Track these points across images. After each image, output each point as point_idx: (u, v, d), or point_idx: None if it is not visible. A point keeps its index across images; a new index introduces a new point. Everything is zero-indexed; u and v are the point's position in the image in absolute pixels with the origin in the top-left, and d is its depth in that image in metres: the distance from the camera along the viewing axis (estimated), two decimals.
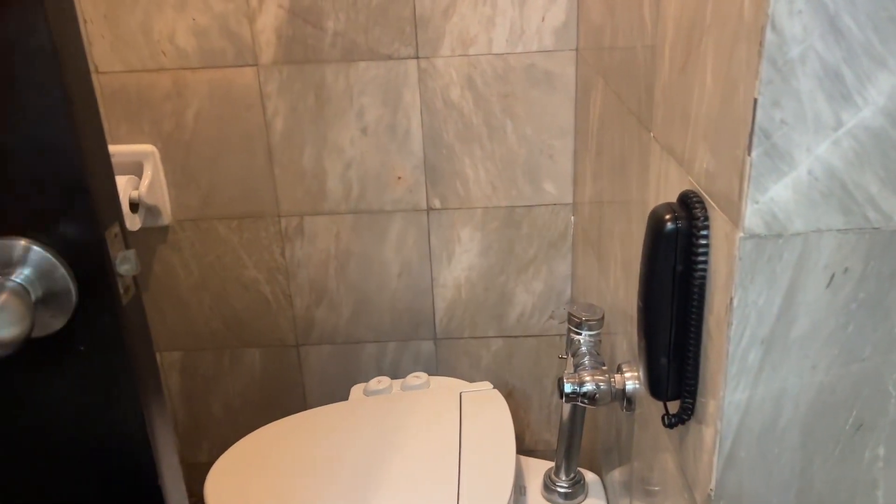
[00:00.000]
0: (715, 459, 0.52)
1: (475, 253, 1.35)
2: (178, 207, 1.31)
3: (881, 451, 0.51)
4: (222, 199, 1.31)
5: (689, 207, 0.52)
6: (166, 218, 1.31)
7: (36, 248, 0.45)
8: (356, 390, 1.30)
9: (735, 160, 0.46)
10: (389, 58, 1.22)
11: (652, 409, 0.71)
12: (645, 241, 0.55)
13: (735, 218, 0.46)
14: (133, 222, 1.26)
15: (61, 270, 0.45)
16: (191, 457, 1.50)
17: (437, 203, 1.31)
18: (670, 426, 0.58)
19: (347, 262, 1.35)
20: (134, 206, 1.25)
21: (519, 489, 1.12)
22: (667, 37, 0.63)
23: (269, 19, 1.19)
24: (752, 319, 0.47)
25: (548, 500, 1.11)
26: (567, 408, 1.03)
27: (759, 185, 0.44)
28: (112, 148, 1.21)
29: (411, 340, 1.42)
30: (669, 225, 0.52)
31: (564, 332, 0.99)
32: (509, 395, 1.46)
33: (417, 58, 1.22)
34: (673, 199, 0.56)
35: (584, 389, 0.80)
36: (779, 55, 0.41)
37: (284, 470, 1.09)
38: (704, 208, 0.51)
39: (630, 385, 0.78)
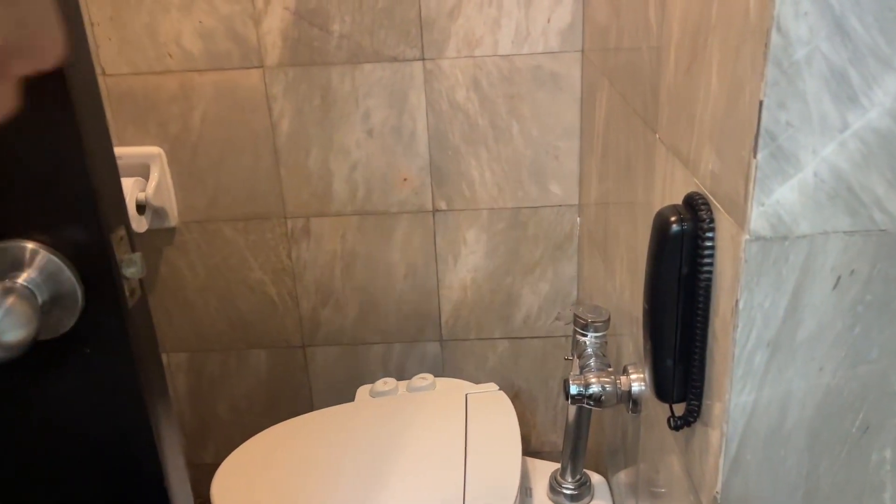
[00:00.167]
0: (721, 462, 0.52)
1: (481, 254, 1.35)
2: (185, 209, 1.32)
3: (888, 453, 0.51)
4: (228, 201, 1.31)
5: (695, 209, 0.52)
6: (173, 220, 1.32)
7: (42, 250, 0.45)
8: (362, 391, 1.30)
9: (741, 162, 0.46)
10: (395, 60, 1.22)
11: (658, 411, 0.71)
12: (650, 243, 0.55)
13: (741, 220, 0.46)
14: (140, 224, 1.27)
15: (67, 273, 0.45)
16: (197, 458, 1.51)
17: (442, 204, 1.31)
18: (676, 428, 0.58)
19: (353, 263, 1.36)
20: (141, 208, 1.26)
21: (525, 490, 1.12)
22: (672, 38, 0.62)
23: (275, 21, 1.20)
24: (758, 322, 0.47)
25: (554, 501, 1.11)
26: (573, 409, 1.03)
27: (765, 187, 0.44)
28: (118, 150, 1.22)
29: (417, 342, 1.42)
30: (675, 227, 0.52)
31: (570, 333, 0.98)
32: (515, 397, 1.46)
33: (423, 59, 1.22)
34: (678, 200, 0.55)
35: (590, 391, 0.79)
36: (784, 57, 0.41)
37: (290, 471, 1.09)
38: (710, 210, 0.51)
39: (636, 387, 0.78)
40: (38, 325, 0.43)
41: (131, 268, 0.47)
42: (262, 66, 1.22)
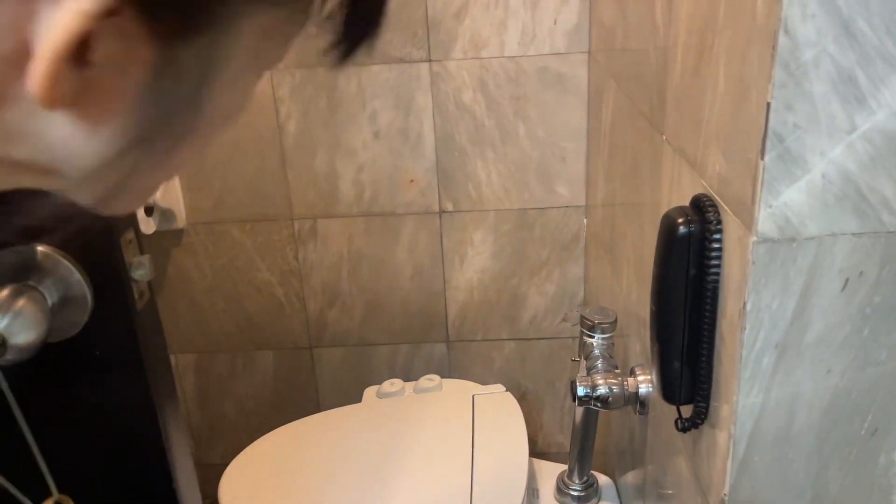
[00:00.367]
0: (729, 464, 0.51)
1: (487, 255, 1.35)
2: (192, 211, 1.32)
3: None
4: (236, 203, 1.32)
5: (702, 211, 0.52)
6: (180, 221, 1.32)
7: (52, 254, 0.46)
8: (369, 392, 1.30)
9: (748, 164, 0.45)
10: (401, 61, 1.22)
11: (665, 413, 0.71)
12: (657, 244, 0.55)
13: (748, 222, 0.46)
14: (148, 226, 1.27)
15: (77, 276, 0.46)
16: (205, 458, 1.51)
17: (449, 206, 1.31)
18: (683, 430, 0.58)
19: (360, 264, 1.36)
20: (148, 210, 1.26)
21: (532, 492, 1.12)
22: (679, 39, 0.62)
23: None
24: (766, 323, 0.47)
25: (560, 502, 1.11)
26: (580, 411, 1.03)
27: (773, 188, 0.44)
28: None
29: (424, 343, 1.42)
30: (682, 229, 0.52)
31: (577, 334, 0.98)
32: (522, 398, 1.46)
33: (429, 61, 1.22)
34: (686, 202, 0.55)
35: (597, 393, 0.79)
36: (792, 59, 0.41)
37: (298, 472, 1.09)
38: (717, 212, 0.51)
39: (643, 388, 0.78)
40: (49, 327, 0.43)
41: (140, 270, 0.47)
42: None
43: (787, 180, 0.44)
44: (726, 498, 0.53)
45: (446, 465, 1.07)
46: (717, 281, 0.51)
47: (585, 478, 1.10)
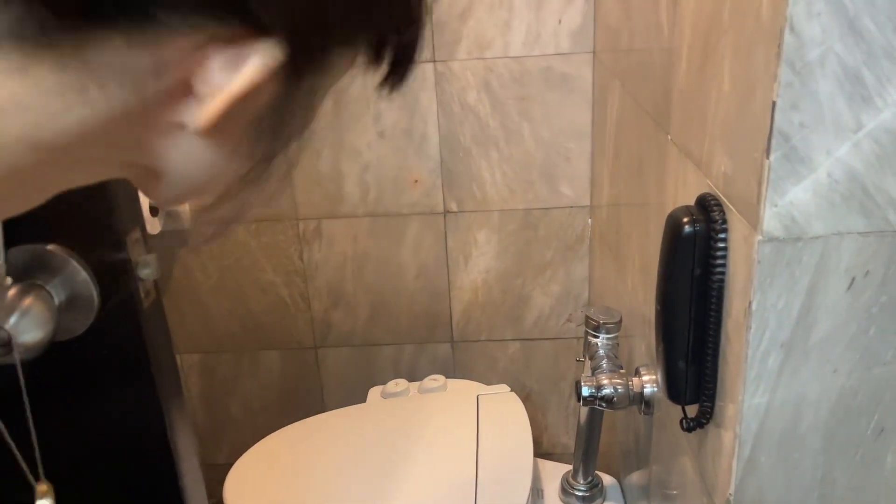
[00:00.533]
0: (734, 464, 0.51)
1: (492, 256, 1.35)
2: (197, 211, 1.33)
3: None
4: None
5: (707, 210, 0.52)
6: (186, 221, 1.32)
7: (59, 253, 0.46)
8: (374, 393, 1.30)
9: (753, 163, 0.45)
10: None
11: (670, 413, 0.71)
12: (663, 244, 0.55)
13: (753, 221, 0.46)
14: (153, 226, 1.27)
15: (83, 275, 0.46)
16: (210, 458, 1.52)
17: (453, 206, 1.31)
18: (689, 430, 0.58)
19: (365, 264, 1.36)
20: (154, 210, 1.27)
21: (536, 492, 1.12)
22: (684, 39, 0.62)
23: None
24: (772, 323, 0.47)
25: (565, 503, 1.11)
26: (585, 411, 1.03)
27: (778, 188, 0.44)
28: None
29: (428, 343, 1.42)
30: (687, 228, 0.52)
31: (582, 335, 0.98)
32: (527, 398, 1.45)
33: (434, 61, 1.22)
34: (691, 201, 0.55)
35: (602, 393, 0.79)
36: (797, 57, 0.41)
37: (302, 472, 1.10)
38: (722, 211, 0.51)
39: (648, 388, 0.78)
40: (56, 326, 0.43)
41: (146, 269, 0.47)
42: None
43: (792, 179, 0.44)
44: (731, 498, 0.52)
45: (451, 465, 1.07)
46: (722, 280, 0.51)
47: (590, 478, 1.10)
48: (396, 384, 1.28)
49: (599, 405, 0.80)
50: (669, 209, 0.55)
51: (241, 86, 0.25)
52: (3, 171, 0.25)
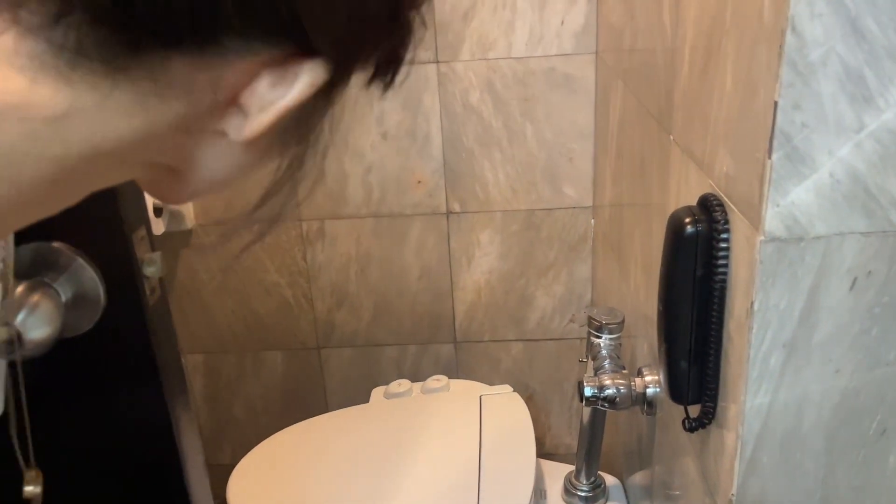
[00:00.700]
0: (736, 464, 0.51)
1: (495, 256, 1.35)
2: (201, 211, 1.33)
3: None
4: (244, 203, 1.32)
5: (710, 211, 0.52)
6: (189, 222, 1.33)
7: (66, 251, 0.46)
8: (377, 393, 1.30)
9: (755, 163, 0.45)
10: (409, 62, 1.22)
11: (673, 413, 0.71)
12: (665, 244, 0.55)
13: (755, 221, 0.46)
14: (157, 226, 1.28)
15: (90, 272, 0.46)
16: (213, 458, 1.52)
17: (456, 207, 1.31)
18: (691, 430, 0.58)
19: (368, 265, 1.36)
20: (157, 211, 1.27)
21: (539, 493, 1.12)
22: (686, 40, 0.62)
23: None
24: (774, 323, 0.47)
25: (568, 503, 1.11)
26: (587, 411, 1.03)
27: (780, 188, 0.44)
28: None
29: (431, 343, 1.42)
30: (689, 228, 0.52)
31: (585, 335, 0.98)
32: (529, 399, 1.46)
33: (437, 62, 1.22)
34: (693, 202, 0.55)
35: (605, 393, 0.79)
36: (799, 58, 0.41)
37: (305, 472, 1.10)
38: (725, 212, 0.51)
39: (650, 389, 0.78)
40: (63, 323, 0.44)
41: (151, 267, 0.48)
42: None
43: (794, 179, 0.44)
44: (734, 498, 0.53)
45: (454, 465, 1.08)
46: (724, 280, 0.51)
47: (593, 478, 1.10)
48: (399, 385, 1.28)
49: (602, 406, 0.80)
50: (672, 209, 0.55)
51: (291, 102, 0.28)
52: (60, 175, 0.26)
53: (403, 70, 0.34)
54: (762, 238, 0.45)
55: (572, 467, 1.13)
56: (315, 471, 1.10)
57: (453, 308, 1.39)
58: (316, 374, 1.45)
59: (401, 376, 1.44)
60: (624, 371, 0.84)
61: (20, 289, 0.42)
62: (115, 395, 0.51)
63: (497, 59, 1.22)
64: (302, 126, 0.31)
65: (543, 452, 1.49)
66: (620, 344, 0.92)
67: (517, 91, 1.23)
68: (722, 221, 0.51)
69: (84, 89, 0.25)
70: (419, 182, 1.30)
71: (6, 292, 0.40)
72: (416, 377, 1.43)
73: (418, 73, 1.23)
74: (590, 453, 1.07)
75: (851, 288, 0.46)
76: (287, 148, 0.32)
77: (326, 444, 1.16)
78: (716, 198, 0.52)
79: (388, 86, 0.34)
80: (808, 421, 0.50)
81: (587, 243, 1.33)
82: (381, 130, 1.27)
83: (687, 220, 0.52)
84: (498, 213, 1.31)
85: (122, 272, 0.47)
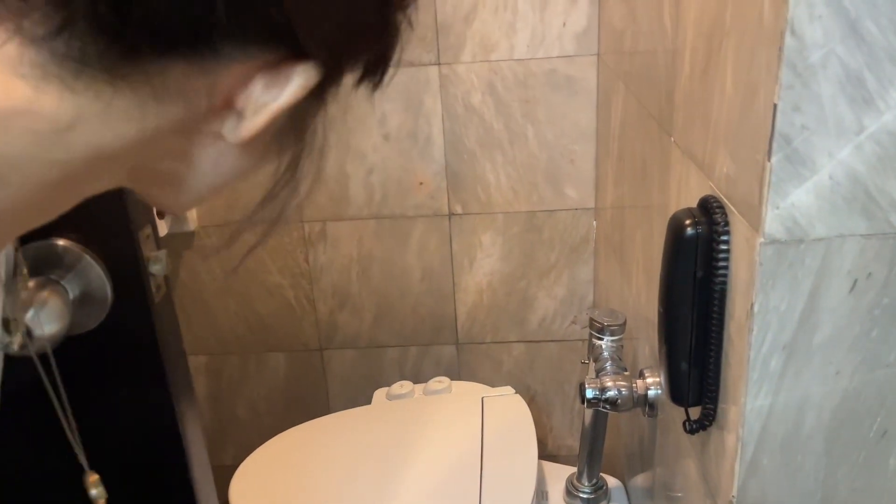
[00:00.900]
0: (737, 466, 0.51)
1: (497, 258, 1.35)
2: (204, 213, 1.34)
3: None
4: (246, 205, 1.32)
5: (710, 212, 0.52)
6: (192, 223, 1.33)
7: (74, 248, 0.46)
8: (379, 394, 1.30)
9: (755, 165, 0.46)
10: (411, 64, 1.23)
11: (674, 415, 0.71)
12: (665, 246, 0.55)
13: (755, 223, 0.46)
14: (160, 228, 1.28)
15: (97, 270, 0.47)
16: (216, 459, 1.52)
17: (458, 208, 1.32)
18: (692, 432, 0.58)
19: (370, 266, 1.36)
20: (160, 213, 1.27)
21: (541, 494, 1.12)
22: (687, 42, 0.63)
23: None
24: (774, 325, 0.47)
25: None
26: (589, 413, 1.03)
27: (780, 190, 0.44)
28: None
29: (433, 345, 1.42)
30: (689, 230, 0.52)
31: (586, 337, 0.98)
32: (531, 400, 1.46)
33: (439, 64, 1.22)
34: (693, 203, 0.55)
35: (606, 395, 0.79)
36: (799, 60, 0.41)
37: (308, 473, 1.10)
38: (725, 213, 0.51)
39: (652, 390, 0.78)
40: (70, 320, 0.44)
41: (157, 265, 0.48)
42: None
43: (794, 181, 0.44)
44: (734, 500, 0.53)
45: (455, 467, 1.08)
46: (724, 282, 0.51)
47: (595, 480, 1.10)
48: (401, 386, 1.29)
49: (603, 407, 0.80)
50: (672, 211, 0.55)
51: (284, 103, 0.29)
52: (64, 179, 0.27)
53: (391, 70, 0.34)
54: (762, 240, 0.45)
55: (574, 469, 1.13)
56: (317, 472, 1.10)
57: (455, 309, 1.39)
58: (318, 375, 1.46)
59: (403, 378, 1.44)
60: (625, 373, 0.84)
61: (30, 286, 0.42)
62: (121, 392, 0.51)
63: (498, 61, 1.22)
64: (296, 127, 0.32)
65: (545, 454, 1.49)
66: (622, 346, 0.92)
67: (519, 93, 1.23)
68: (722, 223, 0.51)
69: (88, 97, 0.25)
70: (421, 184, 1.30)
71: (15, 290, 0.41)
72: (417, 378, 1.43)
73: (420, 75, 1.23)
74: (591, 455, 1.07)
75: (851, 290, 0.46)
76: (283, 149, 0.33)
77: (328, 445, 1.16)
78: (716, 199, 0.52)
79: (377, 86, 0.35)
80: (808, 423, 0.50)
81: (589, 245, 1.33)
82: (383, 132, 1.27)
83: (687, 221, 0.52)
84: (500, 215, 1.32)
85: (129, 270, 0.47)
